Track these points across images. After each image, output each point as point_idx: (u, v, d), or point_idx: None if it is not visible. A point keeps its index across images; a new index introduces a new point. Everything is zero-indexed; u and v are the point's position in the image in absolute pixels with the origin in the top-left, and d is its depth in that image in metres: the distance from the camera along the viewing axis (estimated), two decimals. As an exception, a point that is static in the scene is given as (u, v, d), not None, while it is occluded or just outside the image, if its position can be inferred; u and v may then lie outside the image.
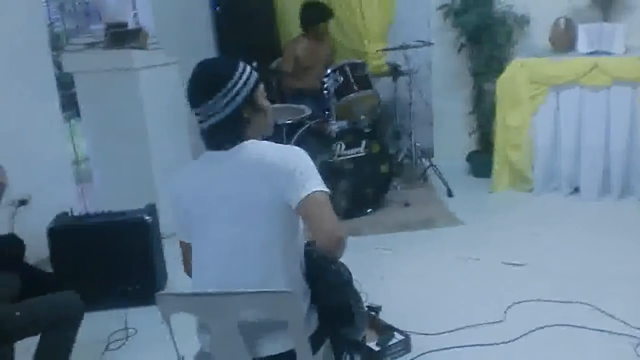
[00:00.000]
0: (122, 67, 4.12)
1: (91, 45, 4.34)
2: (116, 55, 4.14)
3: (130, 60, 4.12)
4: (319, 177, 1.86)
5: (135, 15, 4.88)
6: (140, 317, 3.37)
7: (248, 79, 1.91)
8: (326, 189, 1.84)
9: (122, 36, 4.25)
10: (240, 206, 1.85)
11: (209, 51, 5.73)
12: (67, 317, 2.55)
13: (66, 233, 3.45)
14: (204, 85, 1.89)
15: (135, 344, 3.18)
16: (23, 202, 3.80)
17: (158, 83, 4.28)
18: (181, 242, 2.08)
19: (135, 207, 3.60)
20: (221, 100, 1.87)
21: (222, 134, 1.90)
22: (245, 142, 1.91)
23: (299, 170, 1.83)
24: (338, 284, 1.89)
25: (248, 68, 1.94)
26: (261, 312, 1.78)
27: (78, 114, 4.71)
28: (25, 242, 2.93)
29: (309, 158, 1.90)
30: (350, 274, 1.92)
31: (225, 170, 1.89)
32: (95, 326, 3.21)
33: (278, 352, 1.83)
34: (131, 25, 4.62)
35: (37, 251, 3.50)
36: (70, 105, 5.00)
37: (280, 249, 1.86)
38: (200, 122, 1.91)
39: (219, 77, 1.88)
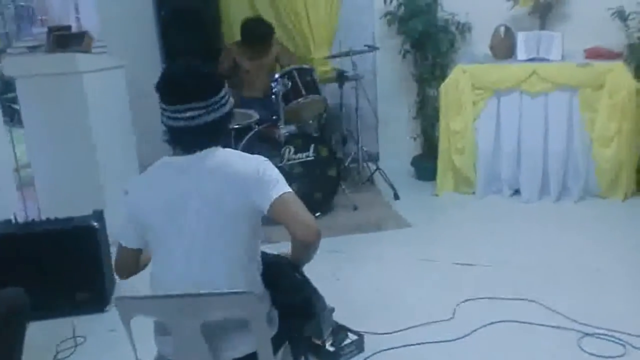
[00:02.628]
0: (66, 71, 4.02)
1: (33, 49, 4.24)
2: (60, 58, 4.05)
3: (74, 64, 4.03)
4: (285, 182, 1.91)
5: (77, 19, 4.78)
6: (89, 324, 3.32)
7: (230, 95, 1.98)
8: (291, 191, 1.89)
9: (65, 39, 4.16)
10: (205, 210, 1.86)
11: (154, 54, 5.66)
12: (12, 311, 2.50)
13: (11, 241, 3.35)
14: (201, 85, 1.89)
15: (84, 353, 3.13)
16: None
17: (103, 87, 4.20)
18: (123, 248, 2.05)
19: (80, 213, 3.52)
20: (214, 104, 1.89)
21: (199, 136, 1.89)
22: (212, 147, 1.92)
23: (266, 176, 1.87)
24: (299, 282, 1.92)
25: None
26: (225, 313, 1.79)
27: (14, 120, 4.60)
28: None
29: (273, 166, 1.94)
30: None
31: (191, 175, 1.89)
32: (43, 334, 3.16)
33: (241, 355, 1.84)
34: (74, 29, 4.54)
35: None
36: (5, 110, 4.86)
37: (242, 253, 1.89)
38: (175, 119, 1.88)
39: (217, 82, 1.94)
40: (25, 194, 4.85)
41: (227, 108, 1.95)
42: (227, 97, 1.95)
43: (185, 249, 1.87)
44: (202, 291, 1.79)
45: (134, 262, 2.07)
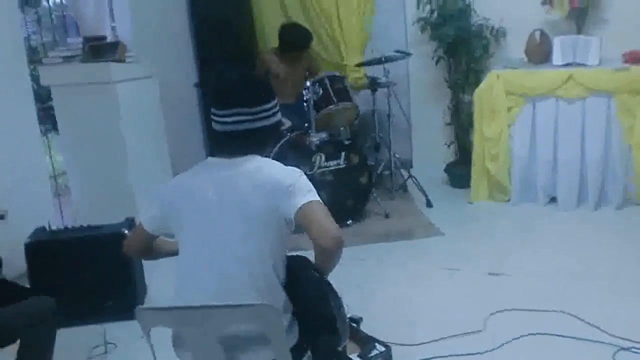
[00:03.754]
0: (100, 81, 4.10)
1: (69, 59, 4.31)
2: (94, 68, 4.12)
3: (108, 73, 4.10)
4: (315, 192, 1.91)
5: (113, 28, 4.86)
6: (120, 331, 3.33)
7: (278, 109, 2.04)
8: (319, 200, 1.90)
9: (100, 49, 4.23)
10: (230, 214, 1.88)
11: (188, 63, 5.72)
12: (41, 318, 2.53)
13: (44, 248, 3.40)
14: (252, 92, 1.98)
15: (116, 358, 3.15)
16: (0, 217, 3.75)
17: (136, 96, 4.28)
18: (139, 227, 2.07)
19: (113, 220, 3.56)
20: (263, 112, 1.96)
21: (241, 143, 1.96)
22: (252, 155, 1.96)
23: (296, 185, 1.89)
24: (319, 290, 1.91)
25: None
26: (243, 325, 1.78)
27: (54, 128, 4.69)
28: (2, 257, 2.89)
29: (306, 178, 1.96)
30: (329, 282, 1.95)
31: (224, 177, 1.92)
32: (75, 341, 3.20)
33: (259, 366, 1.83)
34: (110, 38, 4.61)
35: (14, 266, 3.47)
36: (45, 118, 4.96)
37: (266, 262, 1.88)
38: (223, 123, 1.94)
39: (268, 92, 2.01)
40: (62, 201, 4.96)
41: (274, 119, 2.01)
42: (276, 108, 2.01)
43: (208, 252, 1.89)
44: (221, 298, 1.81)
45: (144, 245, 2.11)
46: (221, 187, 1.91)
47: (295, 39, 5.03)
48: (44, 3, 6.02)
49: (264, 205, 1.87)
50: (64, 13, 5.58)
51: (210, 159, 2.02)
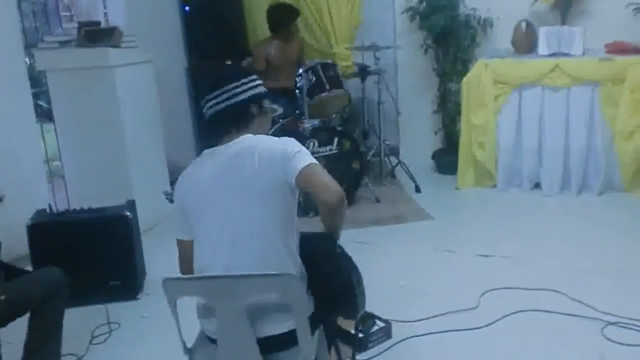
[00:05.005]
0: (98, 65, 4.14)
1: (64, 44, 4.34)
2: (92, 53, 4.15)
3: (106, 58, 4.14)
4: (310, 155, 2.01)
5: (105, 14, 4.88)
6: (122, 311, 3.41)
7: (256, 86, 2.14)
8: (317, 162, 2.00)
9: (95, 34, 4.26)
10: (242, 191, 1.96)
11: (179, 51, 5.76)
12: (53, 290, 2.59)
13: (47, 229, 3.44)
14: (226, 74, 2.16)
15: (119, 338, 3.21)
16: (-1, 199, 3.79)
17: (133, 81, 4.32)
18: (179, 241, 2.14)
19: (110, 204, 3.61)
20: (238, 88, 2.08)
21: (224, 122, 2.08)
22: (242, 135, 2.06)
23: (292, 151, 1.99)
24: (340, 263, 2.00)
25: (258, 81, 2.16)
26: (268, 294, 1.87)
27: (38, 114, 4.72)
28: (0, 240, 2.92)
29: (299, 143, 2.06)
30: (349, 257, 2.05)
31: (226, 160, 2.01)
32: (78, 321, 3.23)
33: (280, 332, 1.92)
34: (103, 24, 4.63)
35: (11, 249, 3.50)
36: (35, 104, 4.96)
37: (277, 235, 1.97)
38: (207, 109, 2.10)
39: (241, 71, 2.26)
40: (54, 185, 4.97)
41: (247, 93, 2.11)
42: (249, 84, 2.12)
43: (219, 229, 1.96)
44: (237, 271, 1.89)
45: (191, 254, 2.13)
46: (224, 172, 2.00)
47: (282, 12, 5.17)
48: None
49: (270, 178, 1.95)
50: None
51: (205, 151, 2.11)
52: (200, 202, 2.01)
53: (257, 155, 1.97)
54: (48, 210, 3.60)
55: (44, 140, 4.77)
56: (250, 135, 2.08)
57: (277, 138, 2.08)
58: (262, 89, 2.16)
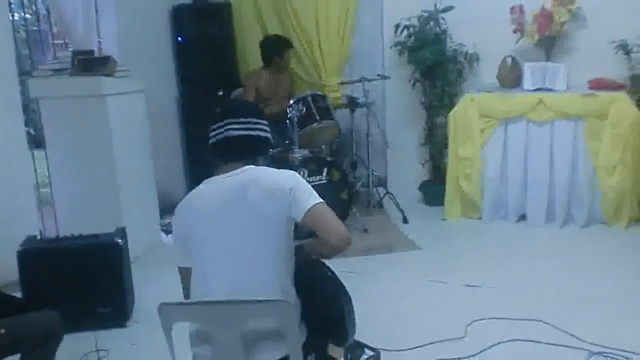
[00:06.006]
0: (91, 94, 4.19)
1: (58, 72, 4.39)
2: (86, 81, 4.21)
3: (99, 87, 4.19)
4: (316, 193, 2.07)
5: (99, 43, 4.93)
6: (111, 339, 3.40)
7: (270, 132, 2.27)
8: (323, 201, 2.06)
9: (90, 63, 4.32)
10: (248, 220, 2.00)
11: (171, 81, 5.83)
12: (48, 335, 2.59)
13: (37, 256, 3.44)
14: (247, 107, 2.33)
15: (108, 365, 3.21)
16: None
17: (125, 110, 4.38)
18: (181, 269, 2.16)
19: (99, 232, 3.62)
20: (252, 124, 2.18)
21: (238, 148, 2.15)
22: (248, 166, 2.12)
23: (300, 187, 2.05)
24: (333, 290, 2.05)
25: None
26: (265, 320, 1.90)
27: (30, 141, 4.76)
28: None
29: (303, 179, 2.12)
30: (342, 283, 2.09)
31: (232, 188, 2.06)
32: (67, 348, 3.20)
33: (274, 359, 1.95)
34: (96, 54, 4.69)
35: (1, 275, 3.50)
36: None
37: (279, 261, 2.02)
38: (221, 132, 2.16)
39: (260, 111, 2.30)
40: (43, 212, 4.97)
41: (266, 134, 2.22)
42: (267, 127, 2.23)
43: (222, 256, 2.01)
44: (237, 297, 1.91)
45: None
46: (230, 200, 2.04)
47: (275, 43, 5.29)
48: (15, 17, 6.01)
49: (275, 210, 2.01)
50: (38, 28, 5.63)
51: (209, 179, 2.16)
52: (204, 229, 2.05)
53: (264, 186, 2.04)
54: (39, 236, 3.62)
55: (34, 167, 4.79)
56: (252, 166, 2.14)
57: (280, 170, 2.15)
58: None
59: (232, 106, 2.25)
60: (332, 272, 2.12)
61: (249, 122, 2.16)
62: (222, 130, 2.15)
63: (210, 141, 2.19)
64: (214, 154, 2.18)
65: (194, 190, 2.16)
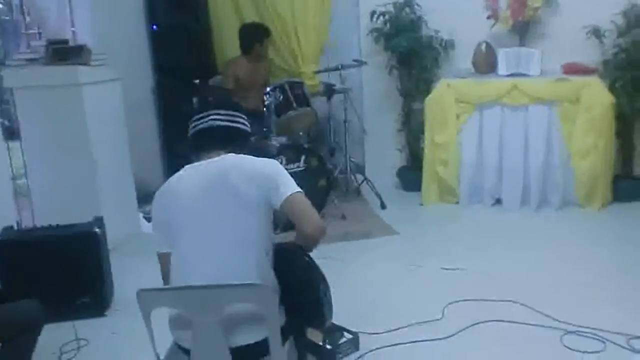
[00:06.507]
0: (66, 83, 4.16)
1: (32, 61, 4.34)
2: (61, 71, 4.17)
3: (74, 76, 4.16)
4: (294, 181, 2.11)
5: (73, 32, 4.88)
6: (91, 328, 3.40)
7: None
8: (301, 191, 2.09)
9: (64, 52, 4.28)
10: (227, 204, 2.03)
11: (147, 69, 5.79)
12: (28, 324, 2.59)
13: (14, 247, 3.44)
14: (230, 101, 2.37)
15: (88, 355, 3.20)
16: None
17: (101, 99, 4.35)
18: (161, 255, 2.17)
19: (77, 222, 3.61)
20: (234, 116, 2.24)
21: (220, 138, 2.20)
22: (229, 154, 2.17)
23: (280, 175, 2.10)
24: (309, 275, 2.08)
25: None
26: (245, 304, 1.92)
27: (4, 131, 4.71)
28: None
29: (282, 167, 2.17)
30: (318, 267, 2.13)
31: (211, 174, 2.09)
32: (46, 337, 3.20)
33: (253, 342, 1.98)
34: (70, 42, 4.64)
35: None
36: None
37: (258, 246, 2.05)
38: (204, 122, 2.20)
39: (241, 107, 2.37)
40: (18, 204, 4.92)
41: (247, 128, 2.29)
42: (247, 121, 2.30)
43: (203, 241, 2.03)
44: (215, 282, 1.93)
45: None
46: (210, 185, 2.07)
47: (254, 31, 5.27)
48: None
49: (257, 194, 2.04)
50: (11, 18, 5.57)
51: (188, 165, 2.19)
52: (183, 214, 2.07)
53: (245, 172, 2.08)
54: (15, 227, 3.60)
55: (10, 158, 4.74)
56: (232, 154, 2.18)
57: (259, 158, 2.18)
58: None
59: (215, 99, 2.31)
60: (310, 257, 2.15)
61: (231, 115, 2.23)
62: (206, 120, 2.20)
63: (192, 131, 2.23)
64: (196, 143, 2.22)
65: (173, 176, 2.18)
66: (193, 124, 2.24)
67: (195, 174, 2.13)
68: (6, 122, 5.42)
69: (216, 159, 2.14)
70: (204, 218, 2.03)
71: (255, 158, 2.17)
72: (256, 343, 1.98)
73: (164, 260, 2.14)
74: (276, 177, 2.08)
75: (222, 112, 2.22)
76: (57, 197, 4.31)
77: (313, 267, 2.12)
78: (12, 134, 4.84)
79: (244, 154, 2.22)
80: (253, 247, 2.03)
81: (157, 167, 5.86)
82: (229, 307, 1.90)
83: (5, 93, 4.72)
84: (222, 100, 2.35)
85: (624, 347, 2.92)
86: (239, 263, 2.01)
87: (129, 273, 3.85)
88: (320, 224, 2.10)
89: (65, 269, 3.47)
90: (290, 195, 2.07)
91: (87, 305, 3.51)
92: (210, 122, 2.20)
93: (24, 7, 5.04)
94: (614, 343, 2.95)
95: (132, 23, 5.66)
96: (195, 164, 2.17)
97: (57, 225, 3.59)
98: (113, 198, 4.42)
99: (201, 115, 2.22)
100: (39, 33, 4.82)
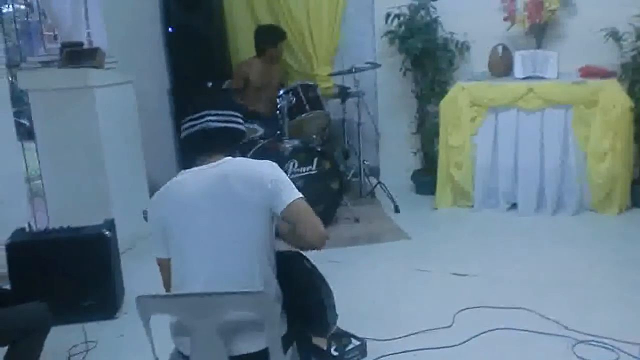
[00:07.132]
0: (79, 86, 4.18)
1: (47, 64, 4.38)
2: (73, 73, 4.20)
3: (86, 78, 4.18)
4: (295, 187, 2.07)
5: (88, 34, 4.92)
6: (99, 330, 3.42)
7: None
8: (303, 197, 2.06)
9: (78, 55, 4.31)
10: (228, 209, 2.01)
11: (162, 72, 5.81)
12: (35, 327, 2.60)
13: (26, 248, 3.46)
14: (225, 100, 2.45)
15: (96, 357, 3.22)
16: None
17: (114, 101, 4.36)
18: (159, 260, 2.17)
19: (90, 223, 3.63)
20: (228, 116, 2.18)
21: (217, 139, 2.15)
22: (227, 157, 2.13)
23: (281, 180, 2.06)
24: (312, 282, 2.05)
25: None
26: (241, 312, 1.90)
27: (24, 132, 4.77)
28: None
29: (282, 171, 2.13)
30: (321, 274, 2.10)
31: (212, 178, 2.06)
32: (55, 339, 3.21)
33: (253, 351, 1.96)
34: (85, 45, 4.68)
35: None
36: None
37: (260, 251, 2.02)
38: (197, 124, 2.14)
39: (237, 106, 2.32)
40: (34, 205, 4.98)
41: (241, 127, 2.22)
42: (242, 120, 2.23)
43: (203, 246, 2.01)
44: (218, 289, 1.92)
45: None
46: (210, 190, 2.03)
47: (270, 33, 5.26)
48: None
49: (257, 199, 2.01)
50: (28, 19, 5.61)
51: (184, 171, 2.15)
52: (183, 219, 2.04)
53: (245, 176, 2.04)
54: (27, 229, 3.62)
55: (25, 159, 4.79)
56: (230, 157, 2.14)
57: (259, 161, 2.15)
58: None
59: (209, 99, 2.24)
60: (311, 264, 2.13)
61: (226, 115, 2.17)
62: (200, 122, 2.14)
63: (184, 134, 2.18)
64: (190, 145, 2.18)
65: (170, 181, 2.15)
66: (184, 127, 2.18)
67: (194, 179, 2.08)
68: (26, 123, 5.48)
69: (214, 163, 2.10)
70: (204, 223, 2.01)
71: (255, 162, 2.14)
72: (257, 352, 1.96)
73: (164, 265, 2.14)
74: (277, 182, 2.04)
75: (216, 112, 2.15)
76: (70, 198, 4.35)
77: (314, 273, 2.09)
78: (31, 134, 4.89)
79: (252, 155, 2.20)
80: (255, 254, 2.01)
81: (172, 170, 5.85)
82: (228, 315, 1.88)
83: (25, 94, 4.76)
84: (216, 100, 2.31)
85: (636, 358, 2.85)
86: (241, 269, 1.99)
87: (141, 275, 3.82)
88: (323, 232, 2.05)
89: (75, 271, 3.48)
90: (292, 202, 2.03)
91: (96, 308, 3.53)
92: (205, 125, 2.14)
93: (41, 9, 5.08)
94: (627, 353, 2.89)
95: (148, 25, 5.69)
96: (194, 168, 2.12)
97: (68, 227, 3.61)
98: (125, 200, 4.43)
99: (193, 117, 2.16)
100: (55, 35, 4.86)
